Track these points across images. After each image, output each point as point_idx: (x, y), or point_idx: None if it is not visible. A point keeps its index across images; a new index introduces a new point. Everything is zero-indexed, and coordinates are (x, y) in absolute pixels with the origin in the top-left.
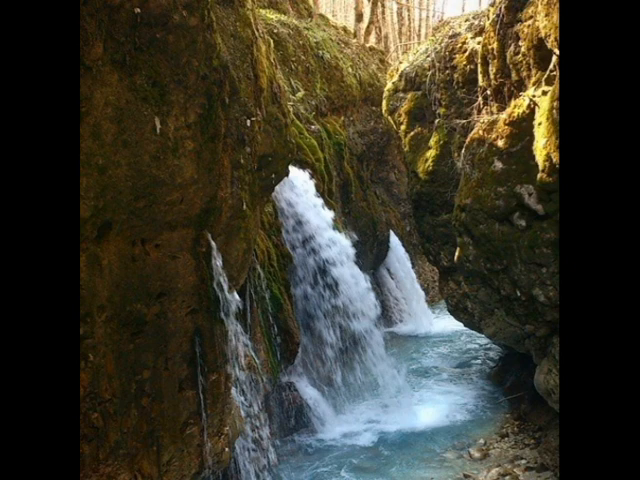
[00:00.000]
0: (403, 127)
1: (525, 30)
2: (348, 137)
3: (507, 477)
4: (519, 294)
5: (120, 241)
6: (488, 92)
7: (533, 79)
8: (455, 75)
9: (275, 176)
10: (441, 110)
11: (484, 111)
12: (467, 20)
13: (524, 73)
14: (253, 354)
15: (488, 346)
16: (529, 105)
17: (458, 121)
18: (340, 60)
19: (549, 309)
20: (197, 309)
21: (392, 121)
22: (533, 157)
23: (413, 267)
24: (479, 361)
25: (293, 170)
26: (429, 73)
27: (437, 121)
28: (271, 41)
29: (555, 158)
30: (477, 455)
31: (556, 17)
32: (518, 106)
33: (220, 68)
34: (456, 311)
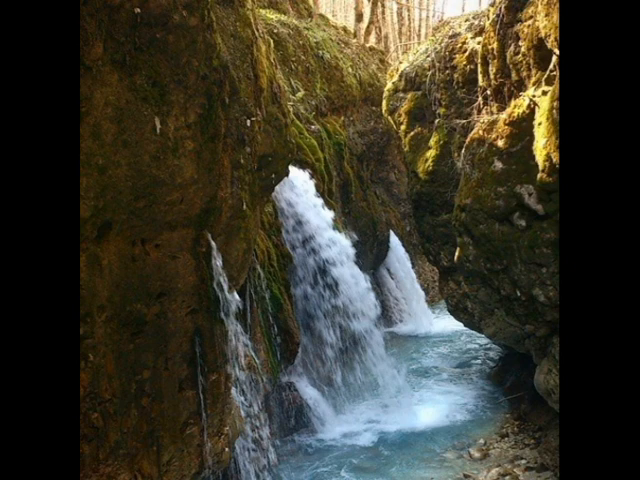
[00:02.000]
0: (403, 127)
1: (525, 30)
2: (348, 137)
3: (507, 477)
4: (519, 294)
5: (120, 241)
6: (488, 92)
7: (533, 79)
8: (455, 75)
9: (275, 176)
10: (441, 110)
11: (484, 111)
12: (467, 20)
13: (524, 73)
14: (253, 354)
15: (488, 346)
16: (529, 105)
17: (458, 121)
18: (340, 60)
19: (549, 309)
20: (197, 309)
21: (392, 121)
22: (533, 157)
23: (413, 267)
24: (479, 361)
25: (293, 170)
26: (429, 73)
27: (437, 121)
28: (271, 41)
29: (555, 158)
30: (477, 455)
31: (556, 17)
32: (518, 106)
33: (220, 68)
34: (456, 311)
